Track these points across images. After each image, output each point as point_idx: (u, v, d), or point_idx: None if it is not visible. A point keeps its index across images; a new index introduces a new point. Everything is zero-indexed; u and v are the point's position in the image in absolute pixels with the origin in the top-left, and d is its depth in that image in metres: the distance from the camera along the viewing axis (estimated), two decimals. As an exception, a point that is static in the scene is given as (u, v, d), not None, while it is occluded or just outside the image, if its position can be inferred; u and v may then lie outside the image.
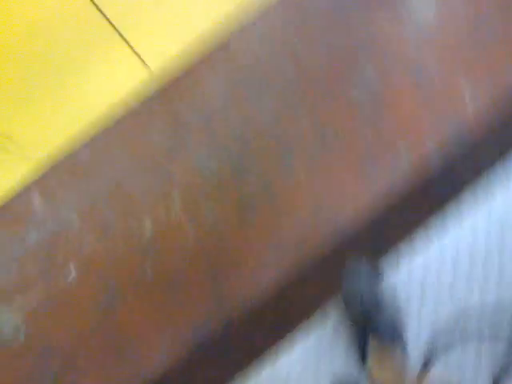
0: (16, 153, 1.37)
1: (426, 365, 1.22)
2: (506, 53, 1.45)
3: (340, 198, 1.42)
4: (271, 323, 1.40)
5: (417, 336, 1.29)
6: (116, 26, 1.22)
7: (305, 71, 1.51)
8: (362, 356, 1.18)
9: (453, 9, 1.49)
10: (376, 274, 1.29)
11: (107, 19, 1.20)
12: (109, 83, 1.42)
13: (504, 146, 1.40)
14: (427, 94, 1.44)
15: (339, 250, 1.39)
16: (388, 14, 1.51)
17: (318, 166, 1.44)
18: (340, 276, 1.32)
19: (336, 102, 1.47)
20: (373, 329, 1.18)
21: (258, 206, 1.44)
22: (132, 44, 1.32)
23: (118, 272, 1.43)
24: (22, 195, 1.50)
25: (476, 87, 1.43)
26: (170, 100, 1.56)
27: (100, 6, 1.14)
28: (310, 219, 1.41)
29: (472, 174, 1.39)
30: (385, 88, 1.46)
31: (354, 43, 1.51)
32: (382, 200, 1.39)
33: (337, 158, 1.43)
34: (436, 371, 1.22)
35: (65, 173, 1.54)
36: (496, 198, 1.35)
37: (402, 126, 1.43)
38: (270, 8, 1.57)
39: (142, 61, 1.41)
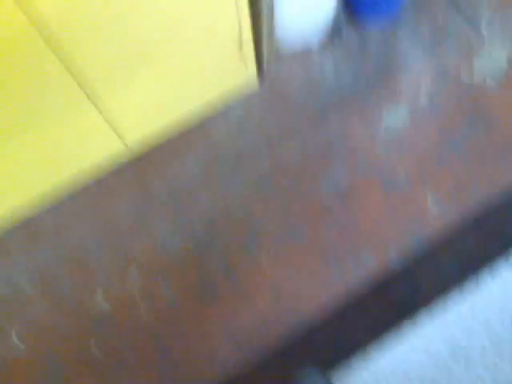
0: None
1: None
2: (469, 168, 1.51)
3: (299, 291, 1.41)
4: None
5: None
6: (92, 93, 1.23)
7: (278, 161, 1.54)
8: None
9: (422, 121, 1.56)
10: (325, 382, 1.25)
11: (84, 86, 1.21)
12: (80, 149, 1.41)
13: (462, 257, 1.43)
14: (393, 200, 1.48)
15: (295, 344, 1.36)
16: (361, 121, 1.57)
17: (280, 256, 1.44)
18: (292, 375, 1.28)
19: (305, 196, 1.50)
20: None
21: (218, 289, 1.41)
22: (108, 113, 1.32)
23: (64, 346, 1.37)
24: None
25: (439, 198, 1.48)
26: (140, 172, 1.55)
27: (77, 73, 1.15)
28: (269, 309, 1.39)
29: (430, 282, 1.41)
30: (353, 189, 1.49)
31: (327, 142, 1.55)
32: (340, 298, 1.39)
33: (300, 251, 1.44)
34: None
35: (23, 234, 1.49)
36: (450, 316, 1.36)
37: (366, 227, 1.45)
38: (250, 96, 1.63)
39: (116, 131, 1.41)
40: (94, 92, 1.22)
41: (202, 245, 1.46)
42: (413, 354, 1.32)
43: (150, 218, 1.50)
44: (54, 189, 1.49)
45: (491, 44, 1.66)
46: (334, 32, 1.67)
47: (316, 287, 1.41)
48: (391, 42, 1.67)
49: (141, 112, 1.42)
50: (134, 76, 1.27)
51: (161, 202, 1.51)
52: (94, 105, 1.26)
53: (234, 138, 1.59)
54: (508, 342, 1.31)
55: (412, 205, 1.47)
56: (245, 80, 1.58)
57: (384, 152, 1.54)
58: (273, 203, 1.50)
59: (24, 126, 1.20)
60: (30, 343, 1.38)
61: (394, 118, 1.57)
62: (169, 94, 1.42)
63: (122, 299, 1.41)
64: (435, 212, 1.46)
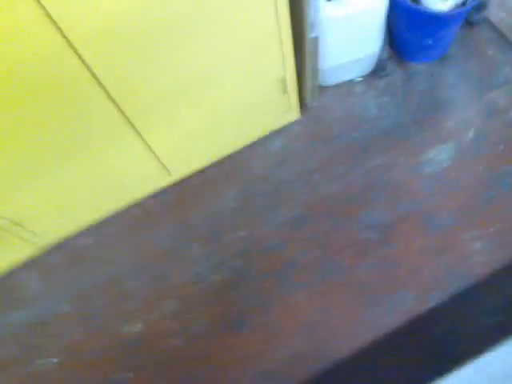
0: (21, 235, 1.39)
1: None
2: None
3: (334, 328, 1.38)
4: None
5: None
6: (138, 126, 1.27)
7: (317, 194, 1.53)
8: None
9: (469, 159, 1.52)
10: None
11: (129, 121, 1.26)
12: (125, 178, 1.46)
13: (507, 303, 1.37)
14: (435, 239, 1.43)
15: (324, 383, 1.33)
16: (404, 156, 1.55)
17: (316, 291, 1.42)
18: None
19: (344, 231, 1.47)
20: None
21: (251, 320, 1.40)
22: (153, 145, 1.37)
23: (98, 366, 1.39)
24: (19, 274, 1.51)
25: (485, 239, 1.42)
26: (180, 199, 1.58)
27: (125, 109, 1.20)
28: (300, 345, 1.36)
29: (472, 328, 1.35)
30: (394, 226, 1.46)
31: (369, 176, 1.53)
32: (376, 339, 1.35)
33: (337, 290, 1.41)
34: None
35: (65, 257, 1.55)
36: (493, 364, 1.28)
37: (406, 266, 1.41)
38: (291, 127, 1.64)
39: (160, 161, 1.46)
40: (139, 125, 1.27)
41: (237, 275, 1.46)
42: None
43: (187, 245, 1.52)
44: (97, 212, 1.56)
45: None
46: (378, 66, 1.66)
47: (352, 325, 1.38)
48: (437, 78, 1.65)
49: (185, 144, 1.46)
50: (180, 110, 1.31)
51: (199, 229, 1.54)
52: (140, 137, 1.31)
53: (274, 168, 1.60)
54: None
55: (455, 245, 1.42)
56: (287, 114, 1.61)
57: (428, 189, 1.50)
58: (311, 237, 1.49)
59: (74, 158, 1.27)
60: (65, 362, 1.41)
61: (440, 154, 1.54)
62: (212, 129, 1.46)
63: (155, 324, 1.43)
64: (480, 254, 1.40)
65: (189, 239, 1.53)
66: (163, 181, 1.57)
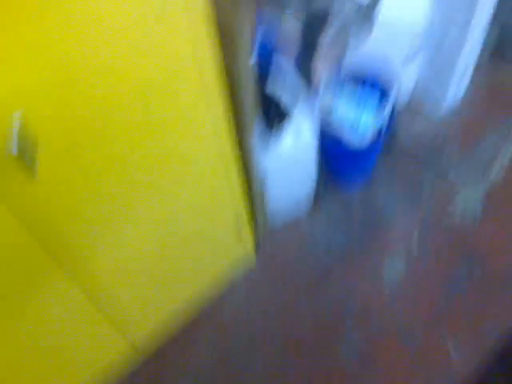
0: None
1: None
2: (476, 304, 1.52)
3: None
4: None
5: None
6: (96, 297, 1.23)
7: (291, 332, 1.52)
8: None
9: (420, 268, 1.61)
10: None
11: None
12: (86, 353, 1.36)
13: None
14: (413, 351, 1.45)
15: None
16: (362, 278, 1.62)
17: None
18: None
19: (325, 365, 1.45)
20: None
21: None
22: (112, 315, 1.31)
23: None
24: None
25: (458, 340, 1.45)
26: (154, 373, 1.49)
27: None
28: None
29: None
30: (372, 348, 1.46)
31: (335, 304, 1.56)
32: None
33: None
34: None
35: None
36: None
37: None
38: (250, 272, 1.67)
39: (123, 332, 1.39)
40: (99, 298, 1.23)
41: None
42: None
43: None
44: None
45: (463, 187, 1.81)
46: (317, 199, 1.79)
47: None
48: (371, 200, 1.82)
49: (146, 304, 1.42)
50: (138, 270, 1.30)
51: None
52: (101, 311, 1.26)
53: (242, 315, 1.58)
54: None
55: (433, 352, 1.44)
56: (243, 258, 1.66)
57: (392, 304, 1.55)
58: (294, 379, 1.44)
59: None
60: None
61: (393, 269, 1.62)
62: (170, 284, 1.46)
63: None
64: (457, 355, 1.43)
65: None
66: (130, 353, 1.48)
